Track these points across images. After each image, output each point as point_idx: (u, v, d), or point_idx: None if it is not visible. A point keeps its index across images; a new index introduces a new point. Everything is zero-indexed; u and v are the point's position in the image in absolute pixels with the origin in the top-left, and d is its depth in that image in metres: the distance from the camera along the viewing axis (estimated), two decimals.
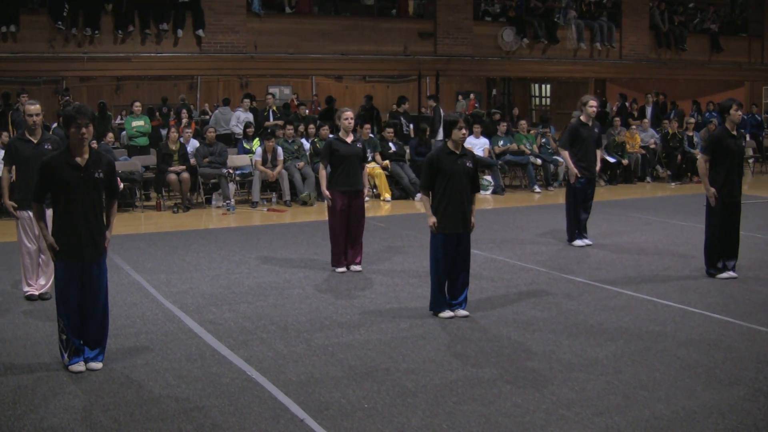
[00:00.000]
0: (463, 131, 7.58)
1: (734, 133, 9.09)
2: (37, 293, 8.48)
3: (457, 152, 7.61)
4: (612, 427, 5.13)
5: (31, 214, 7.78)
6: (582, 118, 11.41)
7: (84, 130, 6.12)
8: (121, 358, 6.53)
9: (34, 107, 8.14)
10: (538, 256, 10.63)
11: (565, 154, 11.40)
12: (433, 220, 7.59)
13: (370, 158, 16.27)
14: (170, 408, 5.47)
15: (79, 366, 6.24)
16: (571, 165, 11.23)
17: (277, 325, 7.43)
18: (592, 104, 11.33)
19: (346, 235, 9.83)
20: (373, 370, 6.21)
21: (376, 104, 23.00)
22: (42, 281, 8.55)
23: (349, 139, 9.83)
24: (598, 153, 11.68)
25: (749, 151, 21.81)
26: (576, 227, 11.49)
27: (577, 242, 11.38)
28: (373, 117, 21.20)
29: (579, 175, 11.22)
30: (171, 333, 7.23)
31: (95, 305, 6.32)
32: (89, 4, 19.17)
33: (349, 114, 9.92)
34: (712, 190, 9.05)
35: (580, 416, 5.29)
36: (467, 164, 7.62)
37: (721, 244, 9.29)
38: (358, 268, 9.85)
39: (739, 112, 9.09)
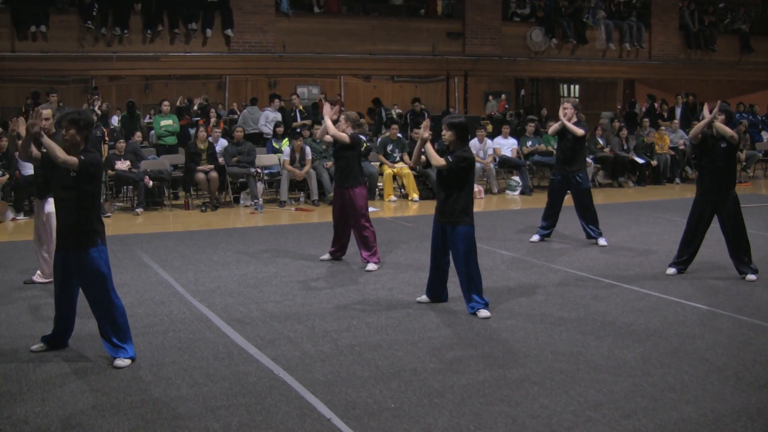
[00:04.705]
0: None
1: (714, 134, 9.09)
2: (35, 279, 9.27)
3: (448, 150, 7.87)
4: (639, 430, 5.09)
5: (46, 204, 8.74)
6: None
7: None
8: (148, 356, 6.56)
9: (45, 111, 8.24)
10: (566, 257, 10.59)
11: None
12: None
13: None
14: (197, 406, 5.49)
15: (36, 346, 6.70)
16: None
17: (305, 325, 7.44)
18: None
19: (340, 229, 10.19)
20: (400, 370, 6.20)
21: (405, 104, 23.07)
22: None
23: None
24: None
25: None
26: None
27: (600, 241, 11.45)
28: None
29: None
30: (199, 331, 7.26)
31: (90, 295, 6.45)
32: (118, 3, 19.36)
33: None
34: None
35: (607, 418, 5.26)
36: (448, 158, 7.77)
37: (690, 238, 9.36)
38: (366, 267, 9.86)
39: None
